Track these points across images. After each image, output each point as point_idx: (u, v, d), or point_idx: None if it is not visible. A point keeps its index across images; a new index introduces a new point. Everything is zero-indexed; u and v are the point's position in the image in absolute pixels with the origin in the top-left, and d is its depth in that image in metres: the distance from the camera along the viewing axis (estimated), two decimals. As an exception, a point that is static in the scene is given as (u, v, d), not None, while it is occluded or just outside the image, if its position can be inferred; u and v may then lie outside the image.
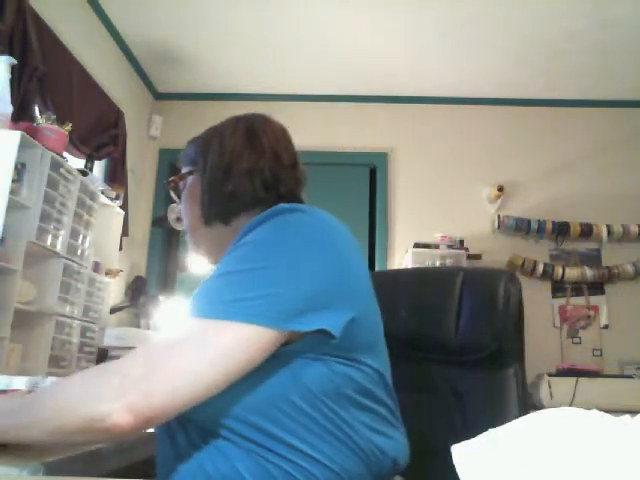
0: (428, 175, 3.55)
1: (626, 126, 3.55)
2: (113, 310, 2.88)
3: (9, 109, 1.90)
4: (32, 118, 2.19)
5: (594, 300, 3.33)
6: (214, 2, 2.85)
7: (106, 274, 2.61)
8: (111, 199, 2.69)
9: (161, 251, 3.59)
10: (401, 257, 3.35)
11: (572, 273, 3.28)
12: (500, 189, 3.35)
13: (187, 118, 3.60)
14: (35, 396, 0.69)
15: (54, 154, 2.05)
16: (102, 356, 2.45)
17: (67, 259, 2.18)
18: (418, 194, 3.53)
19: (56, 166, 2.07)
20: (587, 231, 3.32)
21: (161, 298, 3.11)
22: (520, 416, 0.60)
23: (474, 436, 0.57)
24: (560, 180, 3.49)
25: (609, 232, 3.30)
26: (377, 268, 3.36)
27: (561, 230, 3.33)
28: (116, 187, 2.83)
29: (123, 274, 3.13)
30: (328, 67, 3.40)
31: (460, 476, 0.53)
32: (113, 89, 3.09)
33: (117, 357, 0.65)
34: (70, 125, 2.23)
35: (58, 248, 2.12)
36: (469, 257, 3.16)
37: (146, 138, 3.66)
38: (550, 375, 2.78)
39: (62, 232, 2.15)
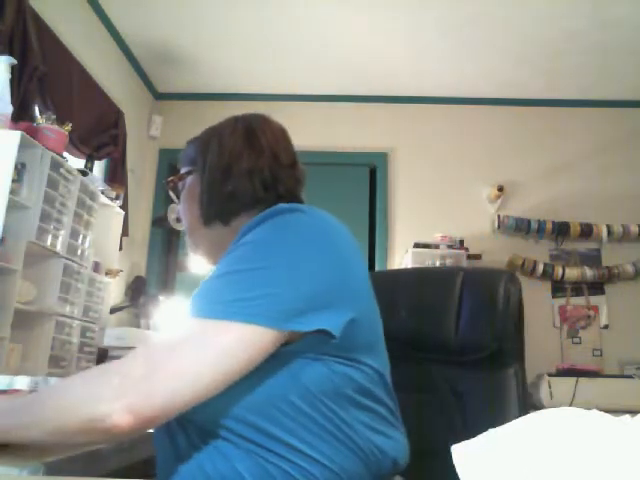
0: (428, 175, 3.55)
1: (626, 126, 3.55)
2: (113, 310, 2.88)
3: (9, 109, 1.90)
4: (32, 118, 2.19)
5: (594, 300, 3.33)
6: (214, 2, 2.85)
7: (106, 274, 2.61)
8: (111, 199, 2.69)
9: (161, 251, 3.60)
10: (401, 257, 3.35)
11: (572, 273, 3.28)
12: (500, 189, 3.35)
13: (187, 118, 3.60)
14: (36, 396, 0.69)
15: (54, 154, 2.05)
16: (102, 356, 2.45)
17: (67, 259, 2.18)
18: (418, 194, 3.53)
19: (56, 166, 2.07)
20: (587, 231, 3.32)
21: (161, 298, 3.11)
22: (520, 416, 0.60)
23: (474, 436, 0.57)
24: (560, 180, 3.49)
25: (609, 232, 3.30)
26: (377, 268, 3.36)
27: (561, 230, 3.33)
28: (116, 187, 2.83)
29: (123, 274, 3.13)
30: (328, 67, 3.40)
31: (460, 476, 0.53)
32: (113, 89, 3.09)
33: (117, 357, 0.65)
34: (70, 125, 2.23)
35: (58, 248, 2.12)
36: (469, 257, 3.16)
37: (146, 138, 3.66)
38: (550, 375, 2.78)
39: (62, 232, 2.15)
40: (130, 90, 3.41)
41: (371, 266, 3.39)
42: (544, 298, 3.34)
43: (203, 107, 3.59)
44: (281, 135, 0.89)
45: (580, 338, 3.27)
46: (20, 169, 1.94)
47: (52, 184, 2.06)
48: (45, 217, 2.02)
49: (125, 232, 2.96)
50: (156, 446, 0.76)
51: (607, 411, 0.54)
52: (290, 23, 3.00)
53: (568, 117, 3.58)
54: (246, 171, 0.82)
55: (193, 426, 0.70)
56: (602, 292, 3.33)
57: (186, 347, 0.63)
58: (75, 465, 0.73)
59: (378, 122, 3.66)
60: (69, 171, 2.17)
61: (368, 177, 3.62)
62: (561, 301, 3.34)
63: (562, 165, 3.51)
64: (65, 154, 2.28)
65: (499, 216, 3.36)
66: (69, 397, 0.63)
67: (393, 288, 1.21)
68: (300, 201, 0.87)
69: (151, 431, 0.76)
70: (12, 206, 1.86)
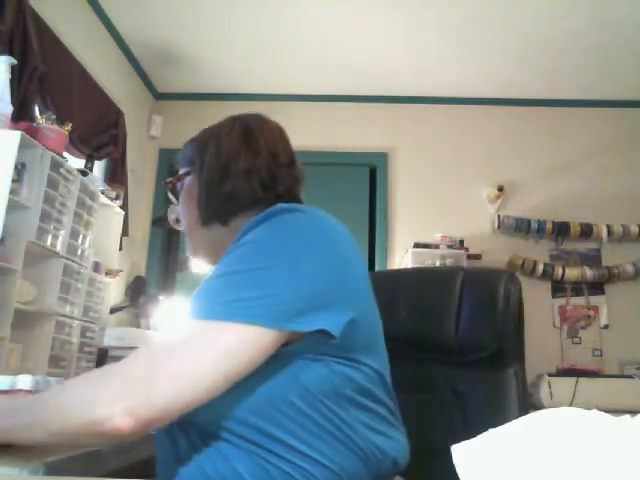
0: (428, 175, 3.55)
1: (626, 126, 3.55)
2: (113, 310, 2.88)
3: (9, 109, 1.90)
4: (32, 118, 2.18)
5: (594, 300, 3.33)
6: (214, 2, 2.85)
7: (106, 274, 2.61)
8: (111, 199, 2.69)
9: (161, 251, 3.59)
10: (401, 257, 3.35)
11: (572, 273, 3.28)
12: (500, 189, 3.35)
13: (187, 118, 3.60)
14: (38, 397, 0.69)
15: (54, 154, 2.05)
16: (102, 356, 2.45)
17: (67, 259, 2.18)
18: (418, 194, 3.53)
19: (56, 166, 2.07)
20: (587, 231, 3.32)
21: (161, 298, 3.11)
22: (520, 416, 0.60)
23: (474, 436, 0.57)
24: (560, 180, 3.49)
25: (609, 232, 3.30)
26: (377, 268, 3.36)
27: (561, 230, 3.33)
28: (116, 187, 2.82)
29: (123, 274, 3.13)
30: (328, 67, 3.40)
31: (460, 476, 0.53)
32: (113, 89, 3.09)
33: (117, 357, 0.65)
34: (70, 125, 2.23)
35: (58, 248, 2.12)
36: (469, 257, 3.16)
37: (146, 138, 3.66)
38: (550, 375, 2.78)
39: (62, 232, 2.14)
40: (130, 90, 3.40)
41: (371, 266, 3.39)
42: (544, 298, 3.34)
43: (203, 107, 3.59)
44: (279, 134, 0.89)
45: (580, 338, 3.27)
46: (20, 169, 1.94)
47: (52, 184, 2.06)
48: (45, 217, 2.02)
49: (125, 232, 2.96)
50: (156, 447, 0.76)
51: (607, 411, 0.54)
52: (290, 23, 3.00)
53: (568, 117, 3.58)
54: (244, 171, 0.82)
55: (193, 427, 0.70)
56: (602, 292, 3.33)
57: (187, 348, 0.62)
58: (75, 465, 0.73)
59: (378, 122, 3.66)
60: (69, 171, 2.17)
61: (368, 177, 3.62)
62: (561, 301, 3.34)
63: (562, 165, 3.51)
64: (65, 154, 2.28)
65: (499, 216, 3.36)
66: (70, 399, 0.64)
67: (393, 288, 1.21)
68: (299, 201, 0.87)
69: (152, 432, 0.76)
70: (12, 206, 1.86)
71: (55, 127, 2.11)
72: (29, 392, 0.88)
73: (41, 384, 0.91)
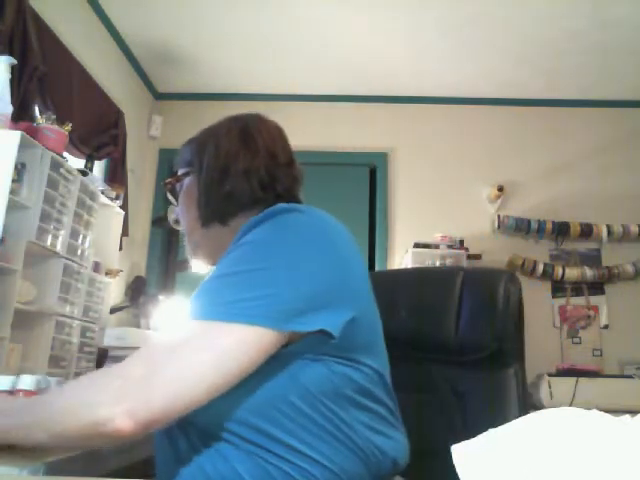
0: (428, 175, 3.55)
1: (626, 126, 3.55)
2: (113, 310, 2.88)
3: (9, 109, 1.90)
4: (32, 118, 2.18)
5: (594, 300, 3.33)
6: (214, 2, 2.85)
7: (106, 274, 2.61)
8: (111, 199, 2.69)
9: (161, 251, 3.59)
10: (401, 257, 3.35)
11: (572, 273, 3.28)
12: (500, 189, 3.35)
13: (187, 118, 3.60)
14: (40, 399, 0.69)
15: (54, 154, 2.05)
16: (102, 356, 2.45)
17: (67, 259, 2.18)
18: (418, 194, 3.53)
19: (56, 166, 2.07)
20: (587, 231, 3.32)
21: (161, 298, 3.11)
22: (520, 416, 0.60)
23: (474, 436, 0.57)
24: (560, 180, 3.49)
25: (609, 232, 3.30)
26: (377, 268, 3.36)
27: (561, 230, 3.33)
28: (116, 187, 2.82)
29: (123, 274, 3.13)
30: (328, 67, 3.40)
31: (460, 476, 0.53)
32: (113, 89, 3.09)
33: (117, 357, 0.65)
34: (70, 125, 2.23)
35: (58, 248, 2.12)
36: (469, 257, 3.16)
37: (146, 138, 3.66)
38: (550, 375, 2.78)
39: (62, 232, 2.14)
40: (130, 90, 3.40)
41: (371, 266, 3.39)
42: (544, 298, 3.34)
43: (203, 107, 3.59)
44: (277, 134, 0.89)
45: (580, 338, 3.27)
46: (20, 169, 1.94)
47: (52, 184, 2.06)
48: (45, 217, 2.02)
49: (125, 232, 2.96)
50: (156, 447, 0.76)
51: (607, 411, 0.54)
52: (290, 23, 3.00)
53: (568, 117, 3.58)
54: (243, 171, 0.82)
55: (193, 428, 0.69)
56: (602, 292, 3.33)
57: (187, 349, 0.62)
58: (75, 465, 0.73)
59: (378, 122, 3.66)
60: (69, 171, 2.17)
61: (368, 177, 3.62)
62: (561, 301, 3.34)
63: (562, 165, 3.51)
64: (65, 154, 2.28)
65: (499, 216, 3.36)
66: (71, 400, 0.64)
67: (393, 288, 1.21)
68: (298, 200, 0.87)
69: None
70: (12, 206, 1.86)
71: (55, 127, 2.11)
72: (31, 392, 0.88)
73: (42, 384, 0.91)
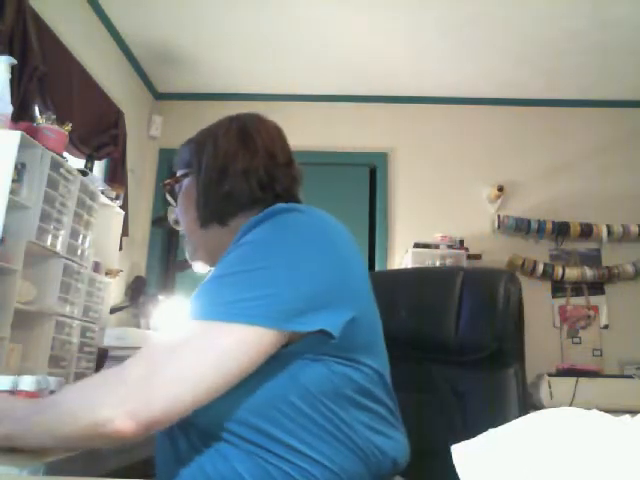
0: (428, 175, 3.55)
1: (626, 126, 3.55)
2: (113, 310, 2.88)
3: (9, 109, 1.90)
4: (32, 118, 2.18)
5: (594, 300, 3.33)
6: (214, 2, 2.85)
7: (106, 274, 2.61)
8: (111, 199, 2.69)
9: (161, 251, 3.60)
10: (401, 257, 3.35)
11: (572, 273, 3.28)
12: (500, 189, 3.35)
13: (187, 118, 3.60)
14: (44, 402, 0.70)
15: (54, 154, 2.05)
16: (102, 356, 2.45)
17: (67, 259, 2.18)
18: (418, 194, 3.52)
19: (56, 166, 2.07)
20: (587, 231, 3.32)
21: (161, 298, 3.11)
22: (520, 416, 0.60)
23: (474, 436, 0.57)
24: (560, 180, 3.49)
25: (609, 232, 3.30)
26: (377, 268, 3.36)
27: (561, 230, 3.33)
28: (116, 187, 2.82)
29: (123, 274, 3.13)
30: (328, 67, 3.39)
31: (460, 476, 0.53)
32: (113, 89, 3.09)
33: (117, 357, 0.65)
34: (70, 125, 2.23)
35: (58, 248, 2.12)
36: (469, 257, 3.16)
37: (146, 138, 3.66)
38: (550, 375, 2.77)
39: (62, 232, 2.14)
40: (130, 90, 3.40)
41: (371, 266, 3.39)
42: (544, 298, 3.34)
43: (203, 107, 3.59)
44: (276, 134, 0.89)
45: (580, 338, 3.27)
46: (20, 169, 1.94)
47: (52, 184, 2.06)
48: (45, 217, 2.02)
49: (125, 232, 2.96)
50: (156, 447, 0.76)
51: (607, 411, 0.54)
52: (290, 23, 3.00)
53: (568, 117, 3.58)
54: (242, 171, 0.82)
55: (194, 428, 0.69)
56: (602, 292, 3.33)
57: (187, 349, 0.63)
58: (75, 465, 0.73)
59: (378, 122, 3.66)
60: (69, 171, 2.17)
61: (368, 177, 3.62)
62: (561, 301, 3.34)
63: (562, 165, 3.51)
64: (65, 154, 2.28)
65: (499, 216, 3.36)
66: (73, 403, 0.64)
67: (393, 288, 1.21)
68: (297, 200, 0.87)
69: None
70: (12, 206, 1.86)
71: (55, 127, 2.10)
72: (31, 393, 0.88)
73: (42, 384, 0.91)
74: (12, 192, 1.85)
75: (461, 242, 3.23)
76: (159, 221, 3.28)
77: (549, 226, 3.32)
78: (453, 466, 0.54)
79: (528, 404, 1.06)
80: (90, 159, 2.64)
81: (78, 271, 2.27)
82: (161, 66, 3.46)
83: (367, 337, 0.73)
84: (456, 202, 3.47)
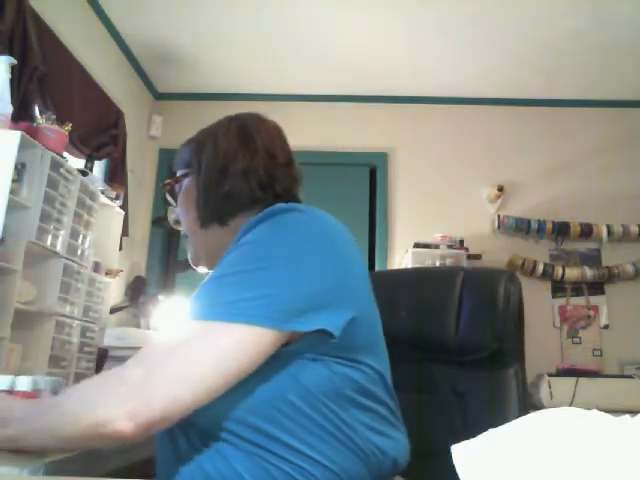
0: (428, 175, 3.55)
1: (626, 126, 3.55)
2: (113, 310, 2.88)
3: (9, 109, 1.90)
4: (32, 118, 2.18)
5: (594, 300, 3.33)
6: (214, 2, 2.85)
7: (106, 274, 2.61)
8: (111, 199, 2.69)
9: (161, 251, 3.60)
10: (401, 257, 3.35)
11: (572, 273, 3.28)
12: (500, 189, 3.35)
13: (187, 118, 3.60)
14: (47, 403, 0.70)
15: (54, 154, 2.05)
16: (102, 356, 2.45)
17: (67, 259, 2.18)
18: (418, 194, 3.52)
19: (56, 166, 2.07)
20: (587, 231, 3.32)
21: (161, 298, 3.11)
22: (520, 416, 0.60)
23: (474, 436, 0.57)
24: (560, 180, 3.49)
25: (609, 232, 3.30)
26: (377, 268, 3.36)
27: (561, 230, 3.33)
28: (116, 187, 2.82)
29: (123, 274, 3.13)
30: (328, 67, 3.39)
31: (460, 476, 0.53)
32: (113, 89, 3.09)
33: (117, 357, 0.65)
34: (70, 125, 2.23)
35: (58, 248, 2.12)
36: (469, 257, 3.16)
37: (146, 138, 3.66)
38: (550, 375, 2.77)
39: (62, 232, 2.14)
40: (130, 90, 3.40)
41: (371, 266, 3.39)
42: (544, 298, 3.34)
43: (203, 107, 3.59)
44: (276, 134, 0.89)
45: (580, 338, 3.27)
46: (20, 169, 1.94)
47: (52, 184, 2.06)
48: (45, 217, 2.02)
49: (125, 232, 2.96)
50: (157, 447, 0.76)
51: (607, 411, 0.54)
52: (290, 23, 3.00)
53: (568, 117, 3.58)
54: (242, 171, 0.82)
55: (194, 428, 0.69)
56: (602, 292, 3.33)
57: (187, 350, 0.63)
58: (75, 465, 0.73)
59: (378, 122, 3.66)
60: (69, 171, 2.17)
61: (368, 177, 3.62)
62: (561, 301, 3.34)
63: (562, 165, 3.51)
64: (65, 154, 2.28)
65: (499, 216, 3.36)
66: (74, 403, 0.64)
67: (393, 288, 1.21)
68: (297, 200, 0.87)
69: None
70: (12, 206, 1.86)
71: (55, 127, 2.11)
72: (28, 394, 0.88)
73: (39, 384, 0.91)
74: (12, 192, 1.85)
75: (461, 242, 3.23)
76: (159, 221, 3.28)
77: (549, 226, 3.32)
78: (453, 466, 0.54)
79: (528, 404, 1.06)
80: (90, 159, 2.64)
81: (78, 271, 2.27)
82: (161, 66, 3.46)
83: (367, 337, 0.73)
84: (456, 202, 3.47)
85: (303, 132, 3.22)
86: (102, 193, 2.57)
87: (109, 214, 2.70)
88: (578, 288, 3.34)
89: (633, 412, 0.58)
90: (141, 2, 2.88)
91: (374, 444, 0.71)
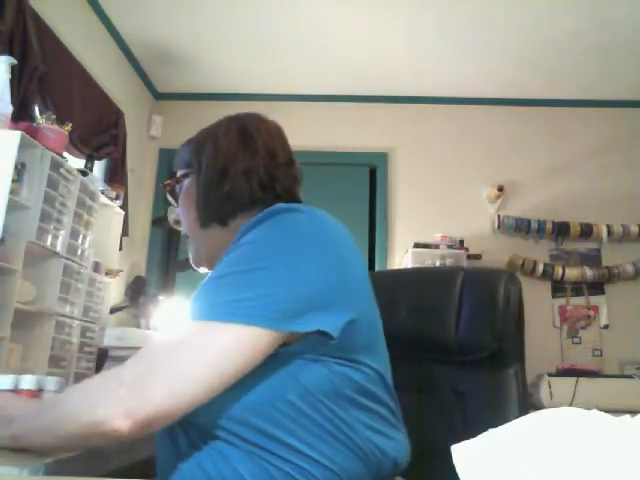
0: (428, 175, 3.55)
1: (626, 126, 3.55)
2: (113, 310, 2.88)
3: (9, 109, 1.90)
4: (32, 118, 2.18)
5: (594, 300, 3.33)
6: (214, 2, 2.85)
7: (106, 274, 2.61)
8: (111, 199, 2.69)
9: (161, 251, 3.59)
10: (401, 257, 3.34)
11: (572, 273, 3.28)
12: (500, 189, 3.35)
13: (187, 118, 3.60)
14: (48, 402, 0.71)
15: (54, 154, 2.05)
16: (102, 356, 2.45)
17: (67, 259, 2.18)
18: (418, 194, 3.52)
19: (56, 166, 2.07)
20: (587, 231, 3.32)
21: (161, 298, 3.11)
22: (520, 416, 0.60)
23: (474, 436, 0.57)
24: (560, 180, 3.49)
25: (609, 232, 3.29)
26: (377, 268, 3.36)
27: (561, 230, 3.33)
28: (116, 187, 2.82)
29: (123, 274, 3.13)
30: (328, 67, 3.39)
31: (460, 476, 0.53)
32: (113, 89, 3.09)
33: (117, 357, 0.66)
34: (70, 125, 2.23)
35: (58, 248, 2.12)
36: (469, 257, 3.16)
37: (146, 138, 3.66)
38: (550, 375, 2.77)
39: (62, 232, 2.14)
40: (130, 90, 3.40)
41: (371, 266, 3.39)
42: (544, 298, 3.34)
43: (203, 107, 3.59)
44: (276, 134, 0.89)
45: (580, 338, 3.27)
46: (20, 169, 1.94)
47: (52, 184, 2.06)
48: (45, 217, 2.02)
49: (125, 232, 2.96)
50: (157, 446, 0.76)
51: (607, 411, 0.54)
52: (290, 23, 3.00)
53: (568, 117, 3.58)
54: (242, 171, 0.82)
55: (194, 428, 0.69)
56: (602, 292, 3.33)
57: (184, 349, 0.63)
58: (75, 465, 0.73)
59: (378, 122, 3.66)
60: (69, 171, 2.17)
61: (368, 177, 3.62)
62: (561, 301, 3.34)
63: (562, 165, 3.51)
64: (65, 154, 2.28)
65: (499, 216, 3.36)
66: (73, 402, 0.64)
67: (393, 288, 1.21)
68: (298, 200, 0.87)
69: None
70: (12, 206, 1.86)
71: (55, 127, 2.11)
72: (32, 392, 0.88)
73: (41, 383, 0.91)
74: (12, 192, 1.85)
75: (461, 242, 3.23)
76: (159, 221, 3.29)
77: (549, 226, 3.32)
78: (453, 466, 0.54)
79: (528, 404, 1.06)
80: (90, 159, 2.64)
81: (78, 271, 2.27)
82: (161, 66, 3.46)
83: (367, 337, 0.73)
84: (456, 202, 3.47)
85: (303, 132, 3.21)
86: (102, 193, 2.57)
87: (109, 214, 2.70)
88: (578, 288, 3.34)
89: (633, 412, 0.58)
90: (141, 2, 2.88)
91: (374, 444, 0.71)
